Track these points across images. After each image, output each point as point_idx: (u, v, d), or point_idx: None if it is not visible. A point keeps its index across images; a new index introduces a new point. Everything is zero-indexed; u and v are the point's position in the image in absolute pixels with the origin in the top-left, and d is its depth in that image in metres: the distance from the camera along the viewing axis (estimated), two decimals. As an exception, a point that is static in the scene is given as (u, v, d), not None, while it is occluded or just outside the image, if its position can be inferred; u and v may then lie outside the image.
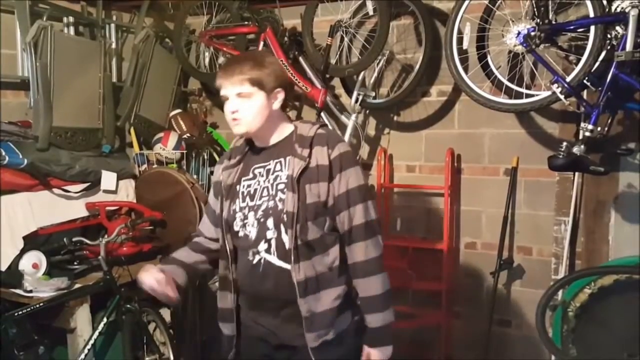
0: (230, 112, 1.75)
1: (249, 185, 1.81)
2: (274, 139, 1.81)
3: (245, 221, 1.78)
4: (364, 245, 1.75)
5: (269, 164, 1.80)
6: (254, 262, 1.77)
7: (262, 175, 1.80)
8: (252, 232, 1.77)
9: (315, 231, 1.73)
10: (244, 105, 1.73)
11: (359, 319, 1.81)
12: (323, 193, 1.73)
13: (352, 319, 1.80)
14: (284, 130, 1.82)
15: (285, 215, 1.71)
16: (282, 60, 3.18)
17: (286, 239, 1.72)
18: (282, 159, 1.78)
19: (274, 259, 1.74)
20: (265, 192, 1.77)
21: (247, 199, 1.79)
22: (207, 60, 3.66)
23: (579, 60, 2.39)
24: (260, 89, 1.72)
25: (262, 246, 1.75)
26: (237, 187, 1.82)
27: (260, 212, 1.76)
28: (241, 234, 1.79)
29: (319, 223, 1.73)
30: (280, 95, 1.78)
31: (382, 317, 1.78)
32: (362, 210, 1.75)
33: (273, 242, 1.74)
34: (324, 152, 1.74)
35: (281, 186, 1.75)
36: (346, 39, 3.17)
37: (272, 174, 1.78)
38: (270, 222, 1.74)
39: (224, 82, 1.73)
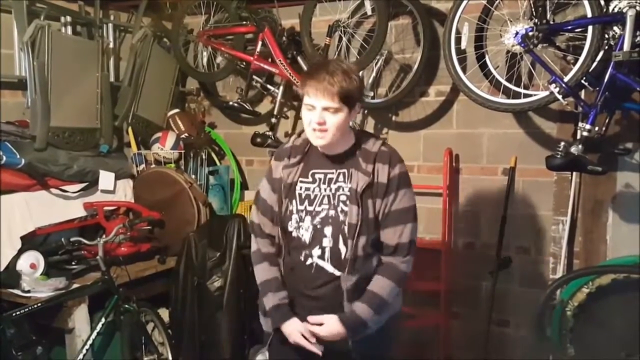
0: (314, 123, 1.76)
1: (307, 189, 1.85)
2: (340, 148, 1.85)
3: (301, 224, 1.84)
4: (404, 259, 1.83)
5: (332, 173, 1.85)
6: (307, 264, 1.84)
7: (324, 183, 1.84)
8: (305, 235, 1.83)
9: (374, 244, 1.83)
10: (330, 119, 1.75)
11: (395, 316, 1.92)
12: (378, 208, 1.81)
13: (391, 313, 1.88)
14: (349, 140, 1.86)
15: (346, 227, 1.79)
16: (280, 60, 3.19)
17: (344, 249, 1.80)
18: (345, 170, 1.83)
19: (327, 266, 1.82)
20: (326, 200, 1.83)
21: (306, 202, 1.84)
22: (205, 60, 3.67)
23: (576, 60, 2.39)
24: (346, 105, 1.75)
25: (316, 251, 1.82)
26: (295, 187, 1.86)
27: (318, 219, 1.82)
28: (294, 234, 1.85)
29: (374, 236, 1.82)
30: (359, 109, 1.87)
31: (372, 316, 1.79)
32: (410, 230, 1.83)
33: (327, 250, 1.81)
34: (385, 170, 1.81)
35: (343, 197, 1.81)
36: (344, 39, 3.17)
37: (334, 183, 1.84)
38: (327, 230, 1.81)
39: (314, 92, 1.73)
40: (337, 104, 1.73)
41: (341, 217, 1.79)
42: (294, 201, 1.85)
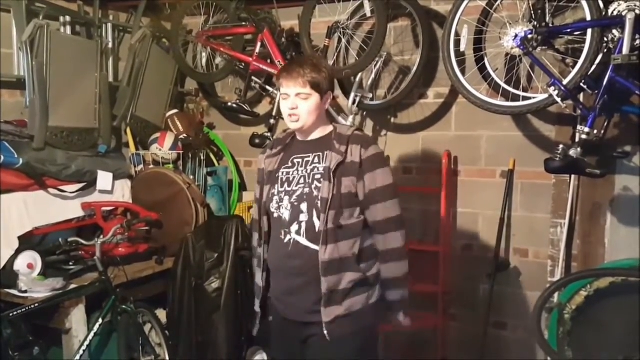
0: (289, 109, 1.98)
1: (287, 173, 2.05)
2: (317, 134, 2.06)
3: (281, 204, 2.02)
4: (394, 235, 2.01)
5: (308, 156, 2.04)
6: (285, 241, 2.00)
7: (301, 166, 2.04)
8: (285, 214, 2.00)
9: (347, 218, 1.96)
10: (302, 104, 1.97)
11: (375, 302, 2.03)
12: (354, 186, 1.96)
13: (367, 301, 2.01)
14: (326, 128, 2.07)
15: (319, 202, 1.95)
16: (279, 61, 3.19)
17: (317, 222, 1.95)
18: (320, 153, 2.02)
19: (302, 240, 1.97)
20: (302, 180, 2.01)
21: (285, 184, 2.03)
22: (204, 60, 3.66)
23: (575, 63, 2.40)
24: (317, 91, 1.97)
25: (294, 227, 1.99)
26: (277, 174, 2.07)
27: (295, 197, 2.00)
28: (276, 215, 2.03)
29: (350, 211, 1.97)
30: (330, 97, 2.05)
31: (403, 292, 2.10)
32: (393, 205, 2.00)
33: (304, 225, 1.97)
34: (357, 150, 1.98)
35: (317, 176, 1.99)
36: (344, 41, 3.17)
37: (310, 165, 2.02)
38: (304, 206, 1.98)
39: (287, 81, 1.98)
40: (308, 90, 1.95)
41: (315, 193, 1.96)
42: (276, 185, 2.04)
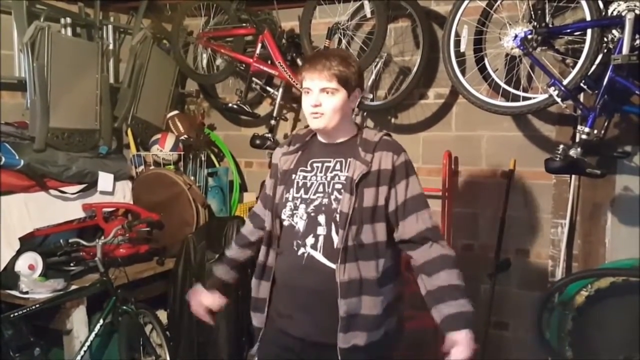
0: (312, 106, 1.76)
1: (304, 177, 1.83)
2: (341, 137, 1.83)
3: (295, 212, 1.80)
4: (437, 245, 1.77)
5: (330, 162, 1.82)
6: (298, 254, 1.78)
7: (321, 171, 1.82)
8: (299, 224, 1.79)
9: (370, 235, 1.74)
10: (327, 101, 1.75)
11: (392, 333, 1.83)
12: (382, 197, 1.75)
13: (385, 331, 1.80)
14: (351, 131, 1.85)
15: (338, 215, 1.73)
16: (279, 62, 3.19)
17: (336, 238, 1.74)
18: (343, 159, 1.80)
19: (318, 256, 1.76)
20: (321, 188, 1.79)
21: (302, 190, 1.81)
22: (204, 62, 3.67)
23: (575, 63, 2.40)
24: (344, 87, 1.75)
25: (309, 240, 1.77)
26: (293, 175, 1.84)
27: (312, 207, 1.78)
28: (287, 223, 1.81)
29: (373, 227, 1.75)
30: (359, 95, 1.83)
31: (463, 302, 1.72)
32: (428, 214, 1.78)
33: (321, 239, 1.76)
34: (388, 158, 1.77)
35: (338, 186, 1.77)
36: (344, 41, 3.17)
37: (331, 172, 1.80)
38: (322, 219, 1.76)
39: (311, 74, 1.75)
40: (334, 84, 1.73)
41: (334, 205, 1.75)
42: (290, 189, 1.82)
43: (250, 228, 2.06)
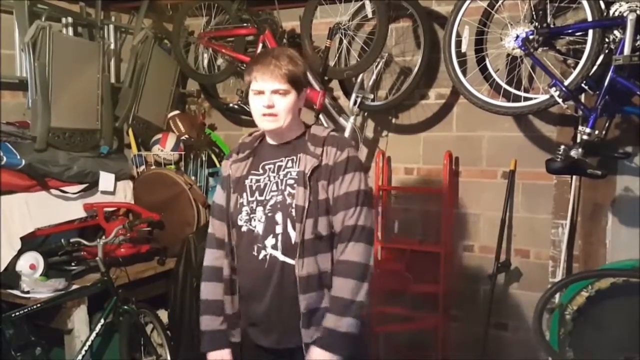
0: (264, 107, 1.74)
1: (257, 180, 1.81)
2: (290, 136, 1.83)
3: (253, 215, 1.78)
4: (351, 245, 1.73)
5: (281, 161, 1.81)
6: (260, 257, 1.76)
7: (273, 171, 1.81)
8: (258, 226, 1.77)
9: (327, 227, 1.74)
10: (280, 102, 1.74)
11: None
12: (328, 191, 1.75)
13: None
14: (299, 128, 1.85)
15: (294, 210, 1.73)
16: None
17: (293, 233, 1.73)
18: (294, 157, 1.80)
19: (279, 255, 1.74)
20: (274, 187, 1.78)
21: (256, 193, 1.80)
22: (205, 61, 3.67)
23: (577, 63, 2.40)
24: (294, 87, 1.75)
25: (270, 241, 1.75)
26: (245, 181, 1.82)
27: (268, 207, 1.77)
28: (244, 228, 1.79)
29: (329, 220, 1.75)
30: (305, 94, 1.84)
31: (340, 321, 1.69)
32: (358, 213, 1.74)
33: (280, 237, 1.75)
34: (332, 152, 1.77)
35: (291, 181, 1.76)
36: (345, 42, 3.17)
37: (283, 170, 1.80)
38: (279, 217, 1.75)
39: (262, 75, 1.73)
40: (286, 85, 1.73)
41: (288, 200, 1.74)
42: (244, 194, 1.81)
43: (216, 255, 1.91)
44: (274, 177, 1.80)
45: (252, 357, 1.85)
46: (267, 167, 1.82)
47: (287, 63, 1.73)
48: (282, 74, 1.72)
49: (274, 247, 1.75)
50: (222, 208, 1.88)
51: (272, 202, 1.77)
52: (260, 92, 1.74)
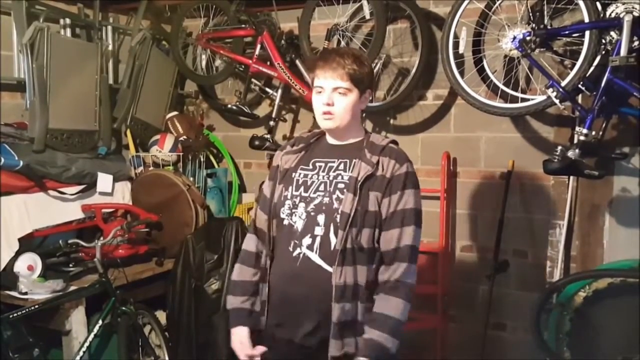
0: (324, 105, 1.72)
1: (305, 175, 1.78)
2: (349, 139, 1.80)
3: (294, 210, 1.75)
4: (406, 266, 1.69)
5: (333, 162, 1.78)
6: (293, 254, 1.73)
7: (323, 170, 1.77)
8: (298, 223, 1.74)
9: (369, 239, 1.70)
10: (339, 100, 1.71)
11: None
12: (381, 204, 1.70)
13: None
14: (359, 132, 1.82)
15: (339, 216, 1.69)
16: (278, 63, 3.20)
17: (334, 239, 1.69)
18: (347, 160, 1.76)
19: (314, 257, 1.71)
20: (322, 187, 1.74)
21: (301, 188, 1.76)
22: (203, 63, 3.67)
23: (574, 65, 2.41)
24: (357, 87, 1.72)
25: (306, 241, 1.72)
26: (293, 174, 1.80)
27: (312, 206, 1.73)
28: (286, 222, 1.76)
29: (373, 232, 1.70)
30: (369, 97, 1.80)
31: (391, 342, 1.67)
32: (414, 233, 1.71)
33: (318, 240, 1.71)
34: (390, 165, 1.72)
35: (341, 185, 1.72)
36: (343, 43, 3.18)
37: (334, 171, 1.76)
38: (320, 218, 1.71)
39: (324, 72, 1.71)
40: (347, 84, 1.69)
41: (335, 205, 1.70)
42: (290, 187, 1.77)
43: (253, 241, 1.91)
44: (324, 176, 1.76)
45: (275, 348, 1.82)
46: (317, 164, 1.79)
47: (351, 62, 1.69)
48: (344, 72, 1.69)
49: (310, 247, 1.71)
50: (266, 199, 1.85)
51: (316, 201, 1.73)
52: (321, 90, 1.73)
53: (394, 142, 1.82)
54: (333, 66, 1.69)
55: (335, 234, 1.69)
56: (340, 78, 1.69)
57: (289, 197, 1.77)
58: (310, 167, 1.79)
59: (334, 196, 1.71)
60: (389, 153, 1.74)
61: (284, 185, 1.79)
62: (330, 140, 1.83)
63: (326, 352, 1.69)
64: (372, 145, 1.76)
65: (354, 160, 1.74)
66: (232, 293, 1.91)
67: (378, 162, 1.72)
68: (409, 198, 1.71)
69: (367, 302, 1.71)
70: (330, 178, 1.75)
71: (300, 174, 1.79)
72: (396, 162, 1.73)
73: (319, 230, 1.71)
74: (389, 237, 1.70)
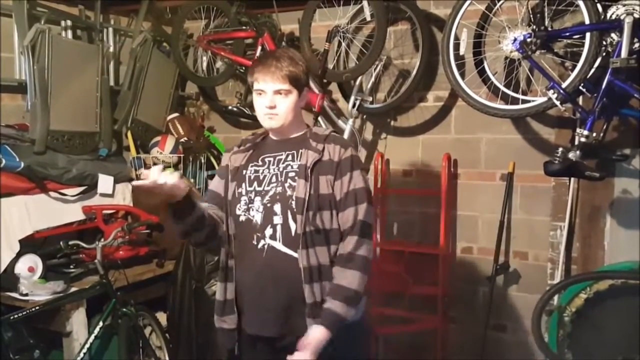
0: (266, 107, 1.80)
1: (256, 171, 1.86)
2: (292, 133, 1.89)
3: (251, 205, 1.82)
4: (356, 239, 1.78)
5: (281, 154, 1.86)
6: (258, 247, 1.80)
7: (273, 164, 1.86)
8: (256, 216, 1.81)
9: (326, 221, 1.78)
10: (281, 102, 1.80)
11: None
12: (331, 186, 1.79)
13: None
14: (301, 127, 1.91)
15: (294, 202, 1.77)
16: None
17: (293, 225, 1.77)
18: (294, 151, 1.85)
19: (278, 245, 1.78)
20: (274, 179, 1.83)
21: (255, 183, 1.84)
22: (204, 64, 3.67)
23: (574, 66, 2.41)
24: (295, 87, 1.81)
25: (268, 231, 1.79)
26: (244, 171, 1.87)
27: (267, 197, 1.81)
28: (243, 218, 1.83)
29: (329, 214, 1.79)
30: (306, 93, 1.89)
31: (345, 309, 1.74)
32: (365, 210, 1.80)
33: (279, 228, 1.78)
34: (336, 150, 1.82)
35: (292, 174, 1.81)
36: (344, 44, 3.18)
37: (283, 162, 1.85)
38: (277, 208, 1.79)
39: (263, 76, 1.79)
40: (287, 86, 1.78)
41: (288, 192, 1.78)
42: (243, 184, 1.85)
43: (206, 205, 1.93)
44: (274, 169, 1.84)
45: (251, 348, 1.88)
46: (267, 159, 1.88)
47: (288, 64, 1.78)
48: (283, 75, 1.77)
49: (272, 237, 1.79)
50: (214, 194, 1.94)
51: (271, 193, 1.81)
52: (262, 92, 1.81)
53: (335, 131, 1.94)
54: (272, 70, 1.78)
55: (294, 220, 1.77)
56: (280, 81, 1.78)
57: (243, 193, 1.85)
58: (260, 162, 1.88)
59: (286, 184, 1.80)
60: (332, 140, 1.85)
61: (236, 182, 1.87)
62: (274, 137, 1.92)
63: (301, 337, 1.73)
64: (316, 135, 1.87)
65: (300, 150, 1.84)
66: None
67: (323, 149, 1.82)
68: (358, 178, 1.82)
69: (331, 280, 1.78)
70: (281, 169, 1.84)
71: (250, 170, 1.87)
72: (341, 147, 1.83)
73: (277, 219, 1.79)
74: (346, 216, 1.80)
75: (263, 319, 1.81)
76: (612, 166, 2.70)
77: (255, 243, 1.80)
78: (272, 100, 1.79)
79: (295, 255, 1.76)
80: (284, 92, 1.79)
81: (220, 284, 1.90)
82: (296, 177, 1.79)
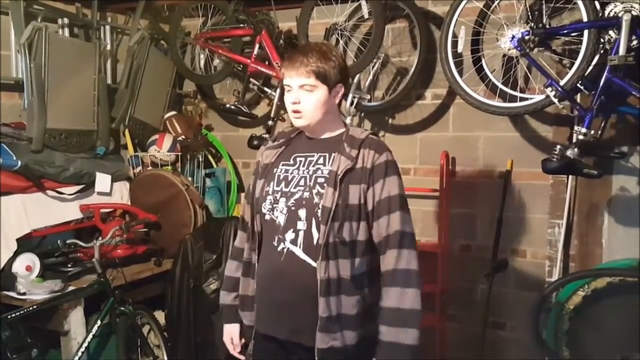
0: (291, 103, 1.75)
1: (286, 170, 1.80)
2: (326, 134, 1.81)
3: (275, 205, 1.76)
4: (397, 253, 1.69)
5: (313, 155, 1.79)
6: (278, 249, 1.75)
7: (303, 165, 1.78)
8: (280, 218, 1.75)
9: (352, 233, 1.70)
10: (306, 98, 1.73)
11: (369, 338, 1.73)
12: (363, 196, 1.71)
13: (362, 336, 1.73)
14: (337, 127, 1.82)
15: (319, 210, 1.69)
16: (277, 63, 3.19)
17: (316, 234, 1.70)
18: (327, 154, 1.77)
19: (298, 251, 1.72)
20: (302, 182, 1.75)
21: (282, 184, 1.78)
22: (202, 62, 3.67)
23: (572, 64, 2.40)
24: (324, 83, 1.72)
25: (289, 235, 1.73)
26: (275, 169, 1.82)
27: (292, 200, 1.74)
28: (267, 217, 1.78)
29: (356, 225, 1.71)
30: (341, 91, 1.79)
31: (398, 333, 1.66)
32: (402, 218, 1.71)
33: (301, 234, 1.72)
34: (371, 155, 1.73)
35: (321, 180, 1.73)
36: (341, 42, 3.18)
37: (314, 165, 1.77)
38: (302, 213, 1.72)
39: (289, 71, 1.73)
40: (313, 81, 1.71)
41: (315, 200, 1.70)
42: (271, 183, 1.80)
43: (243, 237, 1.96)
44: (304, 170, 1.77)
45: (262, 346, 1.85)
46: (298, 159, 1.81)
47: (316, 59, 1.70)
48: (308, 70, 1.70)
49: (293, 242, 1.72)
50: (250, 194, 1.90)
51: (296, 196, 1.74)
52: (289, 88, 1.75)
53: (374, 133, 1.83)
54: (296, 65, 1.71)
55: (317, 229, 1.69)
56: (305, 75, 1.70)
57: (270, 192, 1.79)
58: (291, 162, 1.81)
59: (314, 191, 1.72)
60: (368, 144, 1.76)
61: (265, 180, 1.82)
62: (308, 134, 1.84)
63: (313, 347, 1.69)
64: (352, 138, 1.77)
65: (333, 154, 1.75)
66: (225, 288, 1.99)
67: (358, 155, 1.73)
68: (392, 185, 1.73)
69: (352, 295, 1.71)
70: (310, 172, 1.76)
71: (281, 169, 1.81)
72: (376, 152, 1.74)
73: (301, 225, 1.72)
74: (379, 226, 1.71)
75: (273, 319, 1.78)
76: (610, 164, 2.70)
77: (276, 245, 1.75)
78: (297, 95, 1.72)
79: (314, 264, 1.68)
80: (309, 87, 1.71)
81: (243, 277, 1.89)
82: (325, 184, 1.70)
